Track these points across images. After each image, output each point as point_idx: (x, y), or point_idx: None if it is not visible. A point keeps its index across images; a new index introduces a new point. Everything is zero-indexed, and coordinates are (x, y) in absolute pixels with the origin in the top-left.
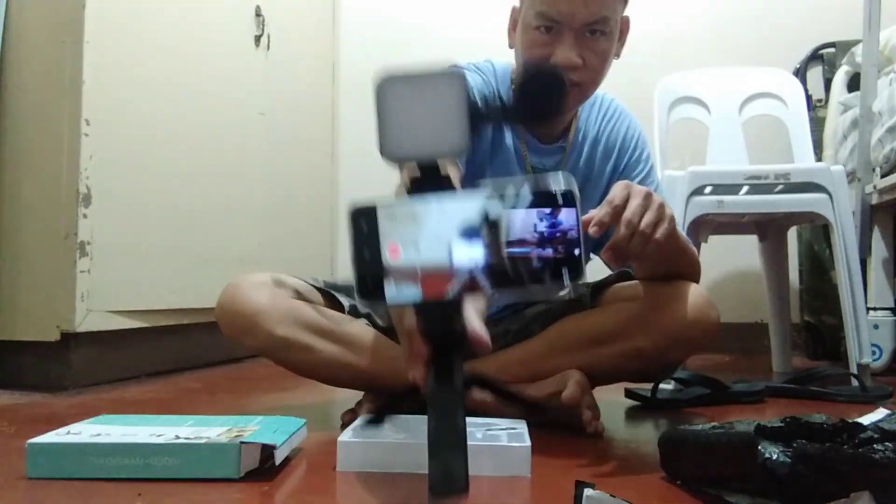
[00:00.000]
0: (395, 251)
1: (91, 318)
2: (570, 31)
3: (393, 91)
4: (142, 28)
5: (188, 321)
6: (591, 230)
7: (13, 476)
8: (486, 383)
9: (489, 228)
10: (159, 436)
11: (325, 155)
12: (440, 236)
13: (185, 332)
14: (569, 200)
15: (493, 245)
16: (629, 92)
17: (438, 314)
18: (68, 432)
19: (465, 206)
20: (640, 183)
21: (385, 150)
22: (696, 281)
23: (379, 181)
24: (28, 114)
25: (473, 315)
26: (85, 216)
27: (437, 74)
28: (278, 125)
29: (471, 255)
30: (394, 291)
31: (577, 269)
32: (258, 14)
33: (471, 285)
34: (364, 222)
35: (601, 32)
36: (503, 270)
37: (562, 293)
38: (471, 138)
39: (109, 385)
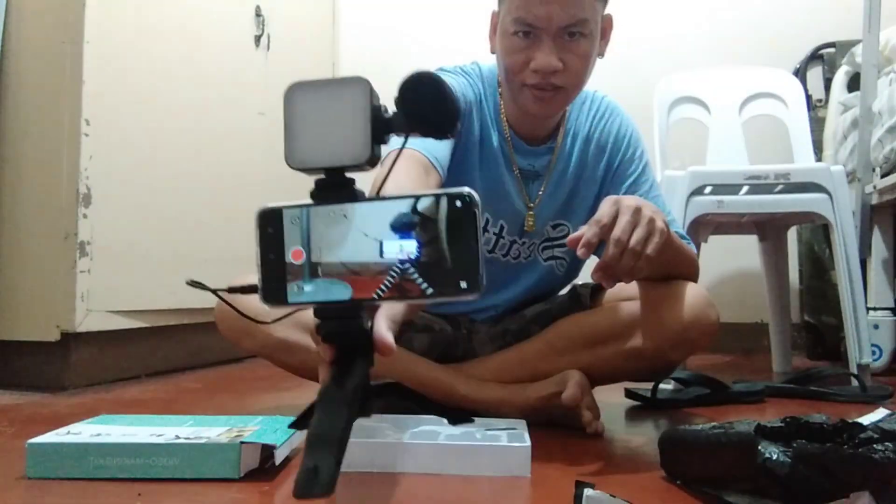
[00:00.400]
0: (299, 255)
1: (91, 318)
2: (548, 35)
3: (299, 98)
4: (142, 28)
5: (188, 321)
6: (580, 252)
7: (13, 476)
8: (405, 394)
9: (393, 236)
10: (159, 436)
11: None
12: (343, 243)
13: (185, 332)
14: (468, 209)
15: (396, 253)
16: (629, 92)
17: (335, 316)
18: (68, 432)
19: (370, 214)
20: (634, 182)
21: (290, 158)
22: (696, 277)
23: None
24: (28, 114)
25: (381, 318)
26: (85, 216)
27: (342, 82)
28: (278, 125)
29: (371, 261)
30: (295, 294)
31: (476, 280)
32: (258, 14)
33: (367, 291)
34: (270, 226)
35: (580, 34)
36: (399, 279)
37: (463, 299)
38: (374, 147)
39: (109, 385)
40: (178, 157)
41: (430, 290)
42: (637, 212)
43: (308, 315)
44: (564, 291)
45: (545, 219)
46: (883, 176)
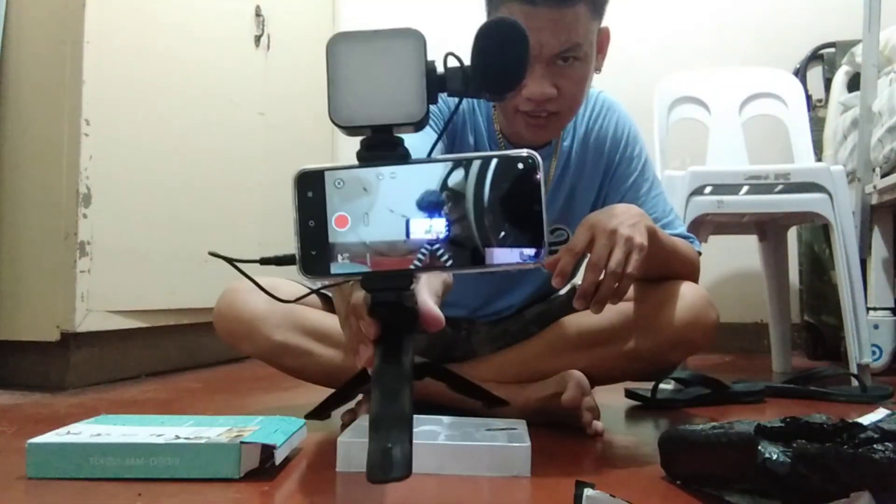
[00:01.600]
0: (344, 222)
1: (91, 318)
2: (540, 62)
3: (345, 51)
4: (142, 28)
5: (188, 321)
6: (555, 282)
7: (13, 476)
8: (443, 374)
9: (450, 201)
10: (159, 436)
11: (325, 155)
12: (394, 208)
13: (185, 332)
14: (531, 169)
15: (455, 219)
16: (629, 92)
17: (388, 288)
18: (68, 432)
19: (423, 176)
20: (634, 182)
21: (335, 115)
22: (695, 276)
23: None
24: (28, 114)
25: (426, 293)
26: (85, 216)
27: (394, 33)
28: (278, 125)
29: (428, 228)
30: (340, 265)
31: (539, 244)
32: (258, 14)
33: (428, 261)
34: (310, 189)
35: (574, 59)
36: (464, 245)
37: (526, 267)
38: (428, 104)
39: (109, 385)
40: (178, 157)
41: (493, 258)
42: (613, 233)
43: (309, 318)
44: (564, 291)
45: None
46: (883, 176)
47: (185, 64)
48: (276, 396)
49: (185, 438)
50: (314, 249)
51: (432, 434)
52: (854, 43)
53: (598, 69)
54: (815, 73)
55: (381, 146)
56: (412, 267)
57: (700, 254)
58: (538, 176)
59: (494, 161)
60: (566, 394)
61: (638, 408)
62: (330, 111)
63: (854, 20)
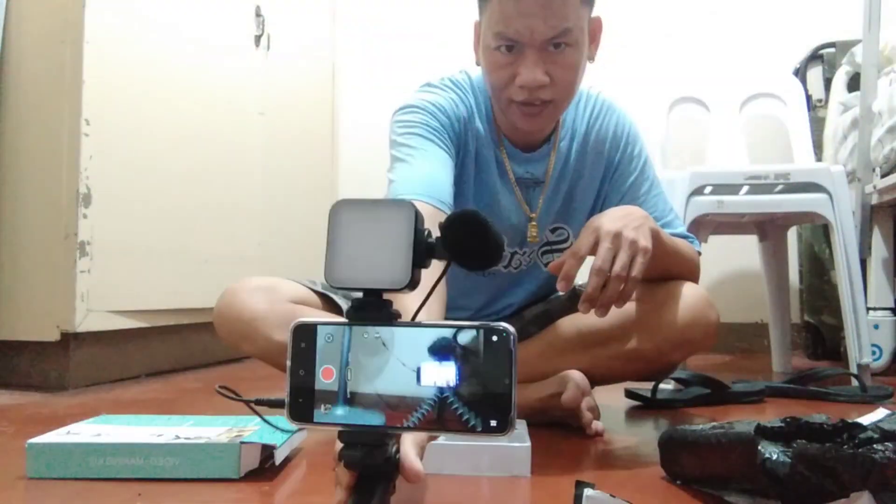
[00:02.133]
0: (329, 374)
1: (91, 318)
2: (531, 48)
3: (345, 217)
4: (142, 28)
5: (188, 321)
6: (559, 285)
7: (13, 476)
8: None
9: (433, 372)
10: (159, 436)
11: (325, 155)
12: (378, 367)
13: (185, 332)
14: (504, 346)
15: (436, 393)
16: (629, 92)
17: (360, 443)
18: (68, 432)
19: (408, 339)
20: (634, 182)
21: (330, 276)
22: (696, 276)
23: (378, 181)
24: (28, 114)
25: (409, 444)
26: (85, 216)
27: (388, 204)
28: (278, 125)
29: (407, 390)
30: (322, 415)
31: (506, 420)
32: (258, 14)
33: (402, 423)
34: (303, 340)
35: (566, 45)
36: (435, 415)
37: (493, 437)
38: (415, 271)
39: (109, 385)
40: (178, 157)
41: (467, 423)
42: (617, 237)
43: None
44: (561, 293)
45: (545, 225)
46: (883, 176)
47: (185, 64)
48: (276, 396)
49: (185, 438)
50: (301, 397)
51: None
52: (854, 43)
53: (591, 58)
54: (815, 73)
55: (370, 307)
56: (386, 425)
57: (700, 253)
58: (512, 349)
59: (474, 332)
60: (566, 394)
61: (638, 408)
62: (325, 271)
63: (854, 20)
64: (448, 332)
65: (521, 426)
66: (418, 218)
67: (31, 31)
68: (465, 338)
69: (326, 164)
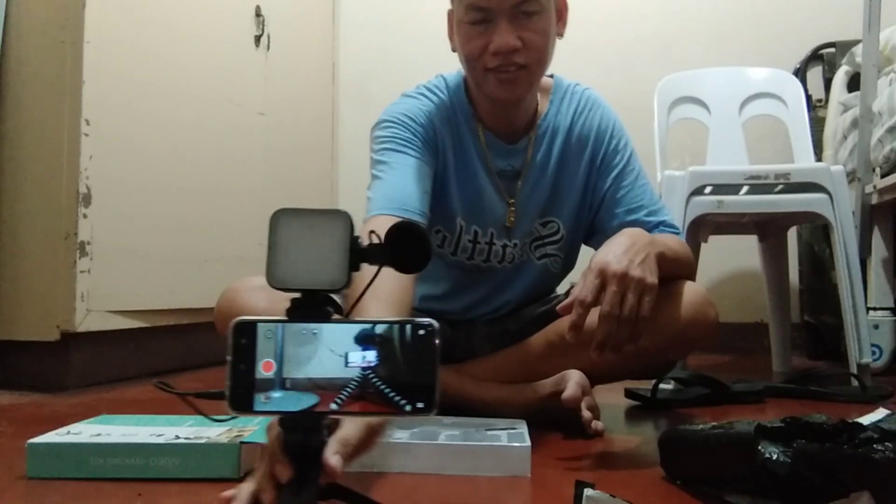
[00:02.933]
0: (269, 367)
1: (91, 318)
2: (502, 15)
3: (285, 223)
4: (142, 28)
5: (188, 321)
6: (568, 336)
7: (13, 476)
8: (345, 494)
9: (358, 356)
10: (159, 436)
11: (325, 155)
12: (311, 358)
13: (185, 332)
14: (429, 337)
15: (360, 373)
16: (629, 92)
17: (299, 428)
18: (68, 432)
19: (338, 332)
20: (619, 173)
21: (271, 277)
22: (693, 272)
23: None
24: (28, 114)
25: (332, 441)
26: (85, 216)
27: (325, 213)
28: (278, 125)
29: (336, 375)
30: (262, 403)
31: (431, 402)
32: (258, 14)
33: (338, 405)
34: (244, 337)
35: (535, 12)
36: (360, 392)
37: (418, 417)
38: (349, 273)
39: (109, 385)
40: (178, 157)
41: (395, 404)
42: (623, 278)
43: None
44: (562, 291)
45: (531, 216)
46: (883, 176)
47: (185, 64)
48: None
49: (185, 438)
50: (242, 388)
51: (432, 434)
52: (854, 43)
53: (560, 34)
54: (815, 73)
55: (309, 306)
56: (315, 408)
57: (689, 248)
58: (436, 342)
59: (399, 326)
60: (566, 392)
61: (638, 408)
62: (267, 274)
63: (854, 20)
64: (372, 326)
65: (521, 426)
66: (352, 225)
67: (31, 32)
68: (387, 330)
69: (326, 164)
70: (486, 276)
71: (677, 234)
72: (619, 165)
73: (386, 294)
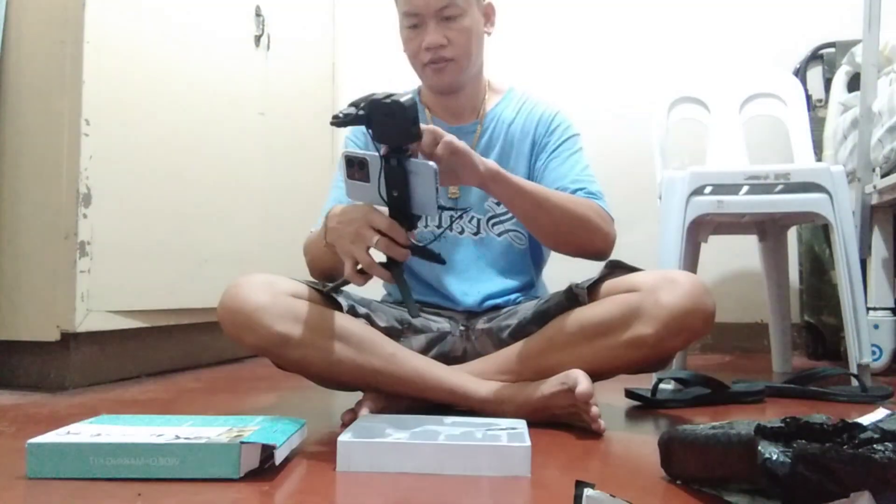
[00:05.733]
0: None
1: (91, 318)
2: (430, 19)
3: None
4: (142, 28)
5: (188, 321)
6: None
7: (13, 476)
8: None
9: None
10: (159, 436)
11: (325, 155)
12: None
13: (185, 332)
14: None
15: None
16: (629, 92)
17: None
18: (68, 432)
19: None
20: (554, 151)
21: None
22: (593, 240)
23: None
24: (28, 114)
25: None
26: (85, 216)
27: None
28: (278, 125)
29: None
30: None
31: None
32: (258, 14)
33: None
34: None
35: (456, 15)
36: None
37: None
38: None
39: (109, 385)
40: (178, 157)
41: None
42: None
43: (310, 311)
44: (560, 290)
45: (477, 193)
46: (883, 176)
47: (185, 64)
48: (276, 396)
49: (185, 438)
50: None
51: (432, 434)
52: (854, 43)
53: (489, 33)
54: (815, 73)
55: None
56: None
57: (612, 218)
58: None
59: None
60: (580, 388)
61: (638, 408)
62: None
63: (854, 20)
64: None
65: (521, 426)
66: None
67: (31, 31)
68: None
69: (326, 164)
70: (453, 249)
71: (596, 201)
72: (555, 145)
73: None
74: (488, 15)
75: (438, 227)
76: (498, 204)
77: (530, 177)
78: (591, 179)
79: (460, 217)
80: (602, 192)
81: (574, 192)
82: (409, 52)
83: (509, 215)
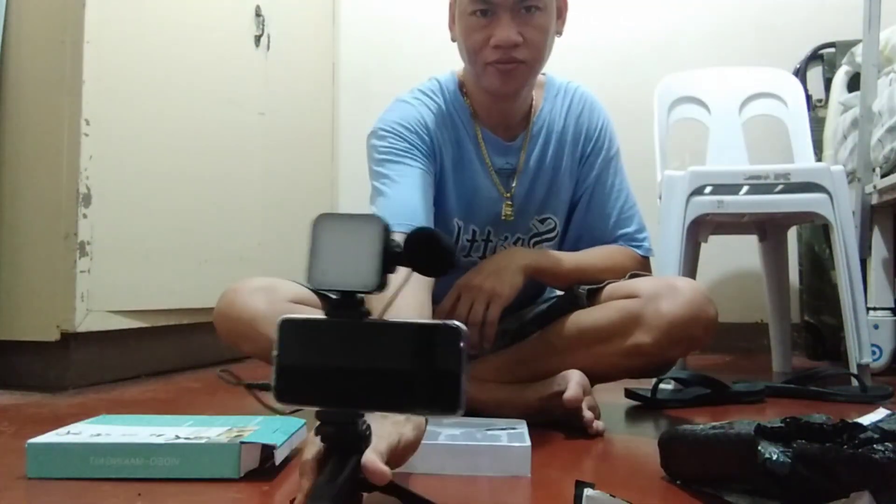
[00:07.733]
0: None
1: (91, 318)
2: (505, 10)
3: (325, 227)
4: (142, 28)
5: (188, 321)
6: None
7: (13, 476)
8: (392, 489)
9: (388, 352)
10: (159, 436)
11: (325, 155)
12: (348, 354)
13: (185, 332)
14: (455, 337)
15: (388, 365)
16: (629, 92)
17: (337, 420)
18: (68, 432)
19: (372, 332)
20: (600, 174)
21: (311, 279)
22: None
23: None
24: (28, 114)
25: (370, 451)
26: (85, 216)
27: (362, 218)
28: (278, 125)
29: (369, 371)
30: (304, 398)
31: (456, 403)
32: (258, 14)
33: (363, 399)
34: (292, 332)
35: (536, 8)
36: (387, 389)
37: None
38: (383, 276)
39: (109, 385)
40: (178, 157)
41: (414, 404)
42: (471, 289)
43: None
44: (561, 293)
45: (528, 213)
46: (883, 176)
47: (185, 64)
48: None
49: (185, 438)
50: (288, 380)
51: (433, 434)
52: (854, 43)
53: (559, 32)
54: (815, 73)
55: (345, 306)
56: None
57: (647, 257)
58: (461, 344)
59: (427, 327)
60: (567, 392)
61: (638, 408)
62: (308, 275)
63: (854, 20)
64: (404, 327)
65: (521, 426)
66: (388, 230)
67: (31, 32)
68: (419, 331)
69: (326, 164)
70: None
71: (635, 246)
72: (601, 167)
73: (410, 296)
74: (561, 10)
75: (482, 257)
76: (542, 222)
77: (576, 188)
78: (632, 213)
79: (502, 242)
80: (642, 221)
81: (615, 239)
82: (470, 46)
83: (551, 235)
